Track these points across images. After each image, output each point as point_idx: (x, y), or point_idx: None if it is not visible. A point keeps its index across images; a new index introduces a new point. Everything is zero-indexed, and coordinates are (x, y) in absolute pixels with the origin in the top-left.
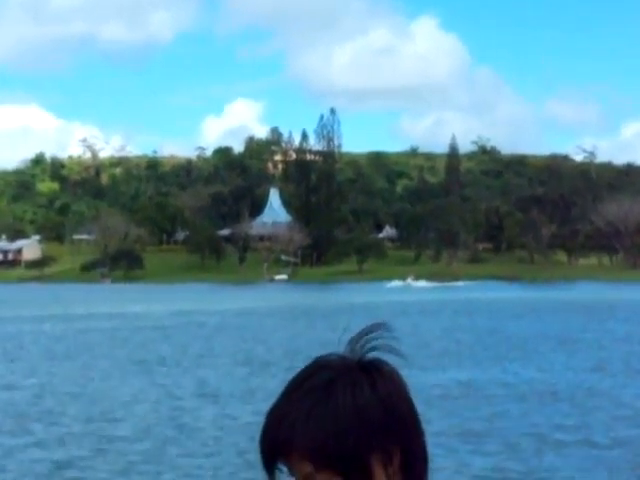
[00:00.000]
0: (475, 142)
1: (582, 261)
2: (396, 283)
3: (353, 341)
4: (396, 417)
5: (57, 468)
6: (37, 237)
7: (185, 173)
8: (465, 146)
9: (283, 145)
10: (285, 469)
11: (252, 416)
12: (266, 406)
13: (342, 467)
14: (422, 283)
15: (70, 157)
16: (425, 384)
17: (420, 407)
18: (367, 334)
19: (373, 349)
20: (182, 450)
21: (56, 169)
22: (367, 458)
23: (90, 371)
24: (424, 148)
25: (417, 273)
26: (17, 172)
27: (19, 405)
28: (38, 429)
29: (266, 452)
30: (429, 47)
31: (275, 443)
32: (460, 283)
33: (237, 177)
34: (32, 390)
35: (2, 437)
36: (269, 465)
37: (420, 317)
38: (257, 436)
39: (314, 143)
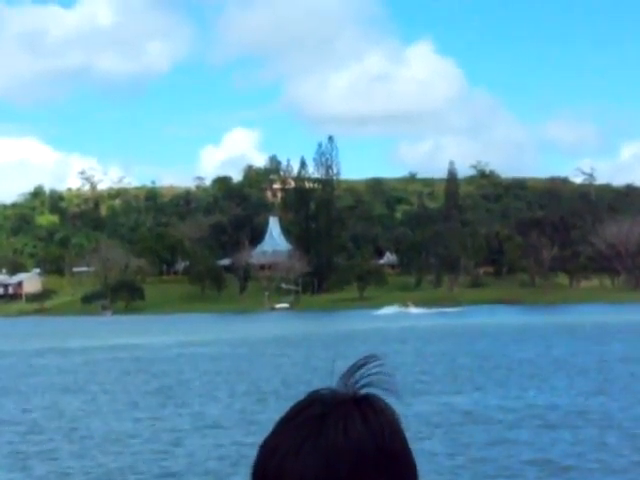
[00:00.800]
0: (474, 166)
1: (584, 283)
2: (393, 309)
3: (346, 375)
4: (388, 453)
5: None
6: (37, 270)
7: (184, 203)
8: (464, 170)
9: (282, 173)
10: None
11: (248, 448)
12: (262, 437)
13: None
14: (420, 310)
15: (69, 189)
16: (424, 410)
17: (421, 432)
18: (359, 368)
19: (366, 384)
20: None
21: (55, 202)
22: None
23: (88, 404)
24: (423, 173)
25: (418, 299)
26: (16, 205)
27: (14, 441)
28: (34, 465)
29: None
30: (425, 72)
31: (266, 475)
32: (458, 308)
33: (236, 206)
34: (28, 424)
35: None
36: None
37: (421, 343)
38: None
39: (313, 171)
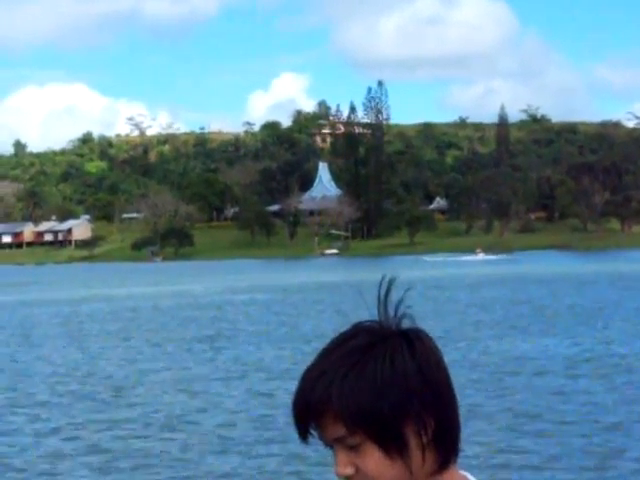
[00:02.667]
0: (525, 110)
1: (636, 228)
2: (466, 257)
3: (385, 308)
4: (433, 387)
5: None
6: (87, 217)
7: (233, 149)
8: (514, 115)
9: (331, 118)
10: (316, 433)
11: (283, 393)
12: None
13: (376, 431)
14: (490, 256)
15: (118, 136)
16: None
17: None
18: (397, 301)
19: (405, 316)
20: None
21: (104, 148)
22: (402, 425)
23: (131, 350)
24: (473, 118)
25: (470, 245)
26: (65, 152)
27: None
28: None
29: (300, 411)
30: (476, 15)
31: (310, 402)
32: (524, 254)
33: (285, 152)
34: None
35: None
36: (302, 425)
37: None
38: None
39: (362, 116)
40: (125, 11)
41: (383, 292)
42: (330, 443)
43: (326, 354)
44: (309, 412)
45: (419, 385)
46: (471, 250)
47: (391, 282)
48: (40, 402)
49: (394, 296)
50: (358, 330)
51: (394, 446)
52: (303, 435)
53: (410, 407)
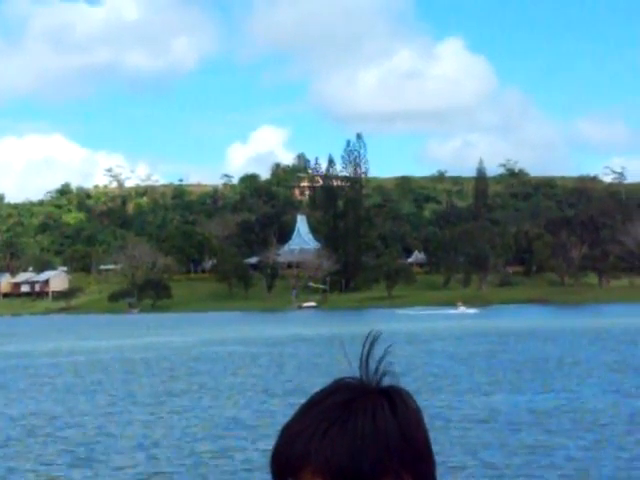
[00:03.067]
0: (503, 165)
1: (613, 283)
2: (449, 310)
3: (367, 365)
4: (412, 445)
5: None
6: (64, 268)
7: (212, 201)
8: (493, 169)
9: (309, 171)
10: None
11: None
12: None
13: None
14: (473, 309)
15: (96, 187)
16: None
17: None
18: (380, 358)
19: (385, 373)
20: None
21: (82, 199)
22: None
23: (110, 405)
24: (451, 172)
25: (447, 298)
26: (43, 203)
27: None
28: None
29: (278, 467)
30: (455, 69)
31: (289, 458)
32: (497, 307)
33: (264, 204)
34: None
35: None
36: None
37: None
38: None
39: (341, 169)
40: (105, 63)
41: (366, 349)
42: None
43: (306, 410)
44: (288, 467)
45: (399, 443)
46: (451, 303)
47: (375, 339)
48: None
49: (376, 352)
50: (339, 386)
51: None
52: None
53: (389, 465)
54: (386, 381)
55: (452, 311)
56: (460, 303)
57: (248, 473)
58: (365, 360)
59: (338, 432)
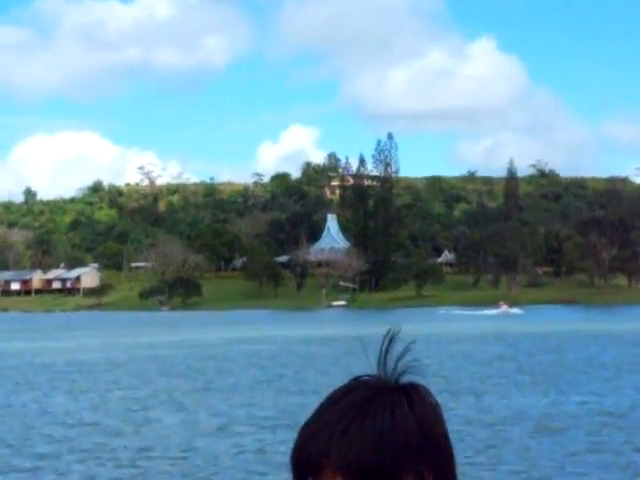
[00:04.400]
0: (533, 165)
1: None
2: (489, 310)
3: (385, 362)
4: (432, 440)
5: None
6: (95, 265)
7: (242, 200)
8: (523, 169)
9: (340, 171)
10: None
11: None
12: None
13: None
14: (516, 310)
15: (127, 184)
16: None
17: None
18: (398, 355)
19: (405, 371)
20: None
21: (113, 197)
22: (400, 478)
23: (137, 401)
24: (482, 172)
25: (476, 298)
26: (75, 200)
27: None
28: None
29: (298, 465)
30: (486, 69)
31: (309, 457)
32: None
33: (295, 203)
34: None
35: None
36: (301, 477)
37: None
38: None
39: (371, 168)
40: (137, 61)
41: (384, 346)
42: None
43: (325, 408)
44: (308, 466)
45: (419, 439)
46: (480, 304)
47: (393, 336)
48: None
49: (398, 350)
50: (357, 384)
51: None
52: None
53: (409, 462)
54: (405, 378)
55: (494, 311)
56: (502, 302)
57: (267, 470)
58: (383, 357)
59: (357, 430)
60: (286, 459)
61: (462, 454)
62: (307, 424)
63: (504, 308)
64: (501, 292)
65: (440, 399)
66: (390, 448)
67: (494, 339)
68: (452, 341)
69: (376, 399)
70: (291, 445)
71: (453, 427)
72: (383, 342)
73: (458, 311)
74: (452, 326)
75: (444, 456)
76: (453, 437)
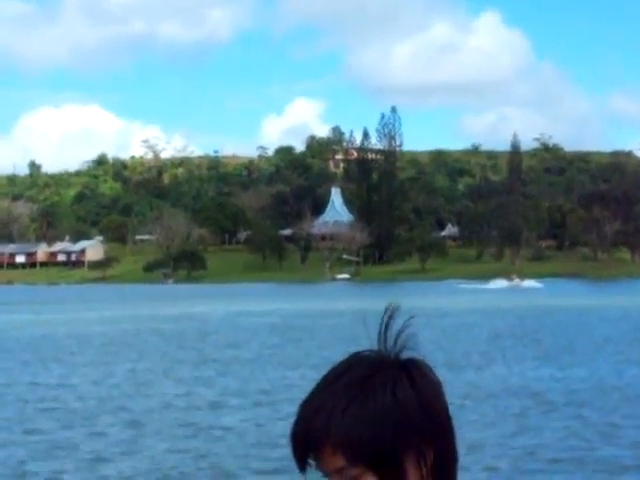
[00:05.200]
0: (537, 139)
1: None
2: (500, 283)
3: (385, 337)
4: (432, 417)
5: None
6: (100, 238)
7: (247, 173)
8: (527, 143)
9: (344, 144)
10: (314, 464)
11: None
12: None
13: (376, 463)
14: (530, 282)
15: (132, 158)
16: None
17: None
18: (398, 331)
19: (405, 346)
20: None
21: (118, 170)
22: (402, 456)
23: (135, 374)
24: (486, 146)
25: (479, 272)
26: (79, 173)
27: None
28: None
29: (299, 443)
30: (491, 42)
31: (309, 434)
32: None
33: (299, 177)
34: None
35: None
36: (301, 457)
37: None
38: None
39: (375, 142)
40: (141, 34)
41: (384, 321)
42: (327, 474)
43: (325, 386)
44: (308, 444)
45: (419, 416)
46: (483, 277)
47: (393, 311)
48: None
49: (399, 325)
50: (357, 361)
51: (394, 477)
52: (301, 466)
53: (410, 438)
54: (405, 354)
55: (504, 283)
56: (515, 275)
57: (264, 444)
58: (383, 333)
59: (358, 408)
60: (284, 433)
61: (463, 428)
62: (307, 401)
63: (516, 281)
64: (504, 265)
65: (439, 373)
66: (391, 426)
67: (503, 313)
68: (458, 315)
69: (376, 376)
70: (290, 419)
71: (451, 401)
72: (383, 317)
73: (465, 285)
74: (459, 299)
75: (445, 433)
76: (452, 411)
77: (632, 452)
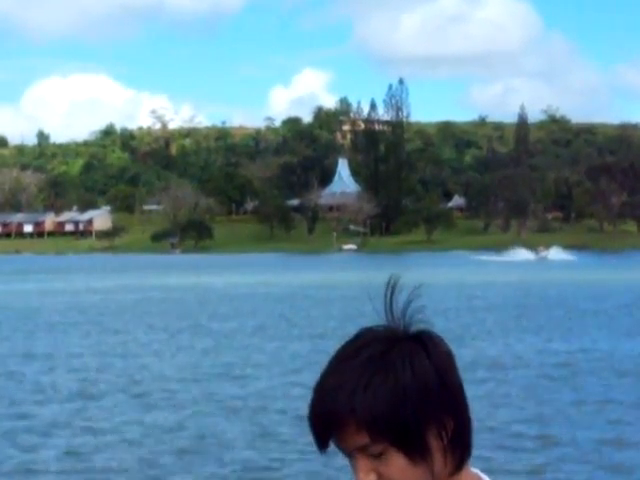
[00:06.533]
0: (544, 111)
1: None
2: (521, 253)
3: (392, 311)
4: (450, 387)
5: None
6: (108, 208)
7: (254, 143)
8: (534, 115)
9: (352, 115)
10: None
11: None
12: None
13: (400, 438)
14: (562, 254)
15: (140, 128)
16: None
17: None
18: (407, 303)
19: (414, 319)
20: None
21: (126, 140)
22: (424, 429)
23: (137, 343)
24: (493, 117)
25: (486, 243)
26: (87, 143)
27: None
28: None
29: (321, 423)
30: (499, 13)
31: (332, 413)
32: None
33: (306, 147)
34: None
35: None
36: (323, 436)
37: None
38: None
39: (383, 113)
40: (149, 4)
41: (389, 294)
42: (350, 452)
43: (341, 363)
44: (331, 423)
45: (438, 388)
46: (489, 248)
47: (395, 283)
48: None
49: (407, 298)
50: (370, 337)
51: (418, 451)
52: (323, 445)
53: (431, 411)
54: (414, 326)
55: (531, 256)
56: (542, 247)
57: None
58: (389, 306)
59: (380, 384)
60: (285, 405)
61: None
62: (324, 380)
63: (543, 253)
64: (511, 237)
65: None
66: (413, 400)
67: (533, 288)
68: (475, 288)
69: (393, 351)
70: (292, 389)
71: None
72: (387, 290)
73: (481, 257)
74: (482, 272)
75: (460, 401)
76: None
77: None
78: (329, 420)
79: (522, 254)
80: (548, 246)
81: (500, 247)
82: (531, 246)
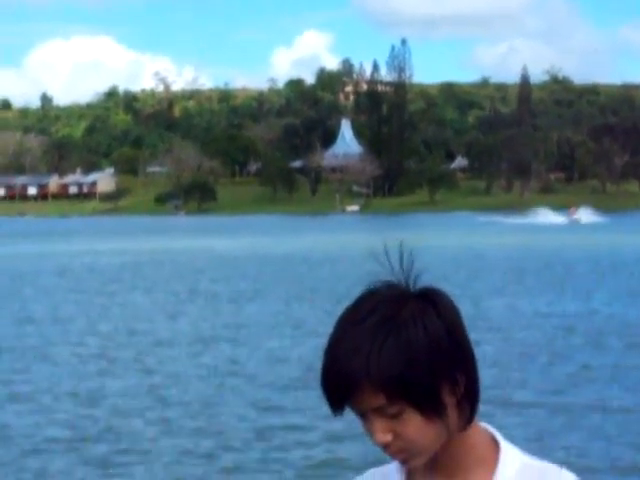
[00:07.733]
0: (547, 71)
1: None
2: (547, 216)
3: (403, 268)
4: (460, 344)
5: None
6: (111, 170)
7: (257, 105)
8: (537, 75)
9: (354, 76)
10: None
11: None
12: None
13: (416, 396)
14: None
15: (143, 90)
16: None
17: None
18: (411, 261)
19: (416, 276)
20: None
21: (129, 102)
22: (439, 386)
23: (134, 308)
24: (495, 78)
25: (490, 203)
26: (90, 105)
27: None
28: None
29: (337, 386)
30: None
31: (348, 377)
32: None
33: (309, 109)
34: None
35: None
36: (339, 399)
37: None
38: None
39: (385, 74)
40: None
41: (399, 255)
42: (364, 413)
43: (351, 327)
44: (348, 388)
45: (449, 345)
46: (492, 209)
47: (402, 246)
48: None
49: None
50: (379, 297)
51: (434, 409)
52: (339, 408)
53: (445, 368)
54: (418, 283)
55: (560, 219)
56: (574, 209)
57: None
58: (399, 265)
59: (394, 345)
60: (288, 370)
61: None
62: (335, 342)
63: (575, 216)
64: (513, 197)
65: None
66: (427, 358)
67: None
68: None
69: (404, 311)
70: (298, 350)
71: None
72: (393, 252)
73: (499, 217)
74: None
75: (470, 356)
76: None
77: None
78: (346, 384)
79: (548, 216)
80: (578, 207)
81: (504, 208)
82: (532, 206)
